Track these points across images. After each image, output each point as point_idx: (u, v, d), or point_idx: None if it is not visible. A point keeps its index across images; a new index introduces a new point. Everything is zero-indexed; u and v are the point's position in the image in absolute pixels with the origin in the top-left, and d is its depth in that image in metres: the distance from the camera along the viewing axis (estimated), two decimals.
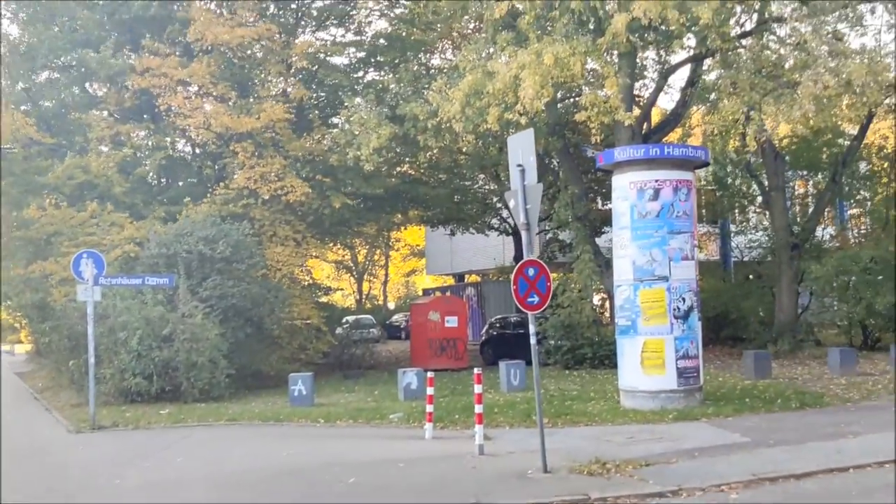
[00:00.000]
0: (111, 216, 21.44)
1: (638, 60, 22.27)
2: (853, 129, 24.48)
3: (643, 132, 21.49)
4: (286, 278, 22.51)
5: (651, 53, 23.87)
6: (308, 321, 23.31)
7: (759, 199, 27.27)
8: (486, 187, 33.10)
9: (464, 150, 23.67)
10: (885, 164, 26.13)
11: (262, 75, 23.50)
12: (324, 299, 30.01)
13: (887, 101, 20.27)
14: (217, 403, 17.45)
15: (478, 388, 10.88)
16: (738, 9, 19.90)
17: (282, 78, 24.30)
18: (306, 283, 26.83)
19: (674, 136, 24.50)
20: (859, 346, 22.54)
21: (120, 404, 17.58)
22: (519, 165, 10.03)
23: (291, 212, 23.09)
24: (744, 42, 19.79)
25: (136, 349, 17.65)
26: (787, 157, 25.66)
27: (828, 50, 18.09)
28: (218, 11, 23.93)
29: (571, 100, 23.89)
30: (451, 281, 49.61)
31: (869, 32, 25.18)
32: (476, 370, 11.32)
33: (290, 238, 22.76)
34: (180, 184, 25.43)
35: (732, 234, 31.29)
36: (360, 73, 27.01)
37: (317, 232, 25.31)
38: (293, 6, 26.11)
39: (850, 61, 17.35)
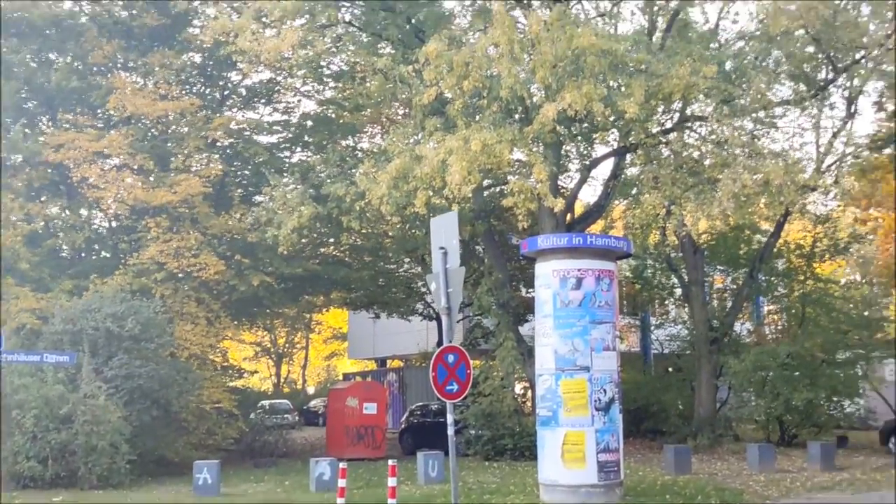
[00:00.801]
0: (13, 289, 20.35)
1: (563, 152, 22.65)
2: (770, 227, 25.12)
3: (567, 222, 21.65)
4: (195, 359, 21.58)
5: (575, 147, 24.38)
6: (219, 405, 22.31)
7: (679, 292, 27.61)
8: (412, 271, 32.84)
9: (389, 233, 23.45)
10: (802, 262, 26.81)
11: (184, 150, 23.01)
12: (238, 382, 28.94)
13: (802, 200, 20.94)
14: (116, 491, 16.36)
15: (392, 482, 10.36)
16: (661, 107, 20.51)
17: (204, 154, 23.84)
18: (219, 364, 25.80)
19: (596, 227, 24.74)
20: (777, 442, 22.63)
21: (11, 490, 16.29)
22: (441, 248, 9.81)
23: (206, 289, 22.33)
24: (666, 138, 20.27)
25: (32, 430, 16.52)
26: (706, 252, 26.14)
27: (747, 150, 18.68)
28: (141, 83, 23.53)
29: (497, 188, 24.03)
30: (372, 365, 48.70)
31: (783, 136, 26.15)
32: (391, 461, 10.82)
33: (202, 317, 21.94)
34: (93, 257, 24.48)
35: (653, 327, 31.55)
36: (287, 153, 26.73)
37: (232, 312, 24.52)
38: (220, 83, 25.90)
39: (769, 161, 17.92)
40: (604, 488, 13.24)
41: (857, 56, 20.54)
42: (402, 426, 28.17)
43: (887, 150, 23.41)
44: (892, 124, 23.19)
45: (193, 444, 21.32)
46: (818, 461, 18.41)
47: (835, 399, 24.07)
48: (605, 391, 13.42)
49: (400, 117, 25.76)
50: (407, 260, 31.66)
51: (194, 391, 20.56)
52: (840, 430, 24.52)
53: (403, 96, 21.39)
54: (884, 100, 23.35)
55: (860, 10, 20.24)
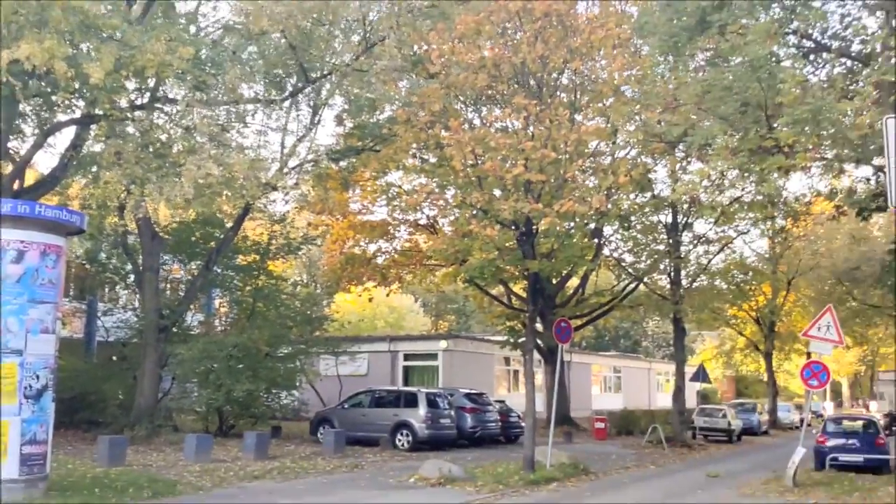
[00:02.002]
0: None
1: (20, 110, 20.15)
2: (231, 221, 25.47)
3: (15, 189, 19.33)
4: None
5: (32, 107, 21.89)
6: None
7: (133, 278, 26.53)
8: None
9: None
10: (257, 258, 27.69)
11: None
12: None
13: (264, 198, 21.60)
14: None
15: None
16: (134, 82, 19.44)
17: None
18: None
19: (50, 201, 22.48)
20: (215, 433, 22.93)
21: None
22: None
23: None
24: (134, 115, 19.24)
25: None
26: (167, 240, 25.53)
27: (215, 140, 18.62)
28: None
29: None
30: None
31: (252, 133, 26.72)
32: None
33: None
34: None
35: (100, 313, 29.83)
36: None
37: None
38: None
39: (235, 154, 18.08)
40: (24, 483, 11.84)
41: (326, 71, 21.97)
42: None
43: (343, 163, 25.47)
44: (348, 141, 25.33)
45: None
46: (253, 451, 19.05)
47: (273, 391, 25.28)
48: (38, 377, 12.05)
49: None
50: None
51: None
52: (275, 420, 25.85)
53: None
54: (344, 116, 25.40)
55: (332, 30, 21.65)
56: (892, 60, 15.68)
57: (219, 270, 26.90)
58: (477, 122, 21.27)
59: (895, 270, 30.09)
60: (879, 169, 20.39)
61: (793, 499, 16.41)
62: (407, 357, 36.21)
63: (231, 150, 18.66)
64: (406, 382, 34.24)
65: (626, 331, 56.48)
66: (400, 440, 23.94)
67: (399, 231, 30.90)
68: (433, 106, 18.38)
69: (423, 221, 29.77)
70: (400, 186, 28.24)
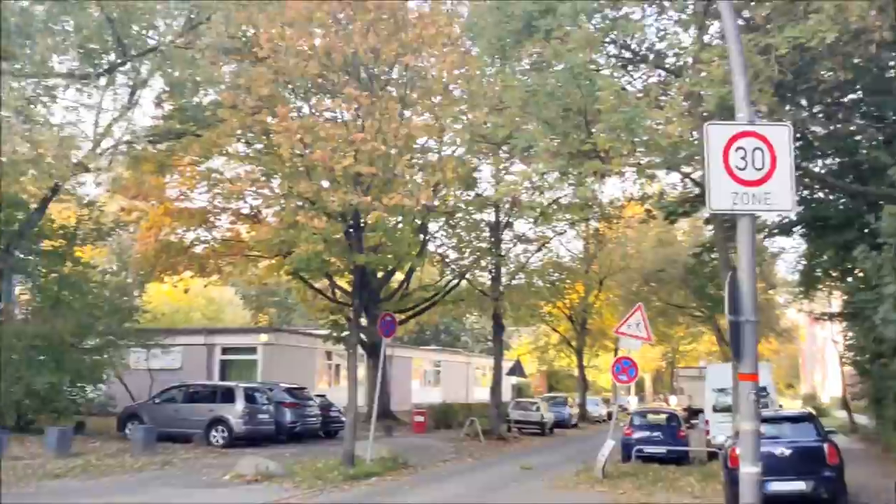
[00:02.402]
0: None
1: None
2: (36, 202, 23.62)
3: None
4: None
5: None
6: None
7: None
8: None
9: None
10: (64, 243, 25.85)
11: None
12: None
13: (75, 179, 20.20)
14: None
15: None
16: None
17: None
18: None
19: None
20: (13, 428, 21.22)
21: None
22: None
23: None
24: None
25: None
26: None
27: (22, 115, 17.24)
28: None
29: None
30: None
31: (62, 109, 24.69)
32: None
33: None
34: None
35: None
36: None
37: None
38: None
39: (44, 130, 16.82)
40: None
41: (146, 48, 20.81)
42: None
43: (161, 146, 24.22)
44: (168, 123, 24.11)
45: None
46: (54, 447, 17.86)
47: (78, 384, 23.78)
48: None
49: None
50: None
51: None
52: (80, 416, 24.30)
53: None
54: (164, 98, 24.16)
55: (154, 6, 20.53)
56: (702, 73, 16.68)
57: (21, 255, 24.92)
58: (306, 110, 20.88)
59: (697, 272, 32.22)
60: (687, 176, 21.80)
61: (602, 490, 17.17)
62: (225, 351, 35.11)
63: (40, 126, 17.32)
64: (223, 377, 33.19)
65: (447, 326, 57.41)
66: (215, 436, 23.17)
67: (220, 220, 29.81)
68: (261, 91, 17.86)
69: (245, 210, 28.86)
70: (222, 173, 27.23)
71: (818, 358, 69.95)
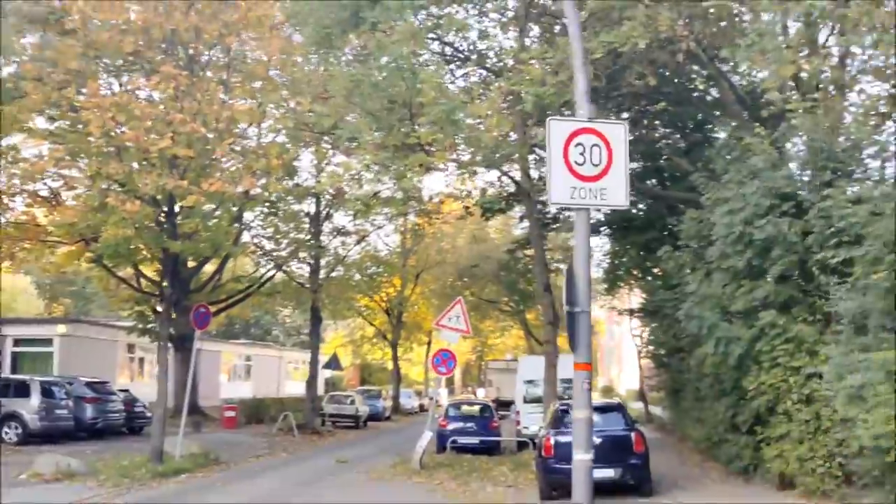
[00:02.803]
0: None
1: None
2: None
3: None
4: None
5: None
6: None
7: None
8: None
9: None
10: None
11: None
12: None
13: None
14: None
15: None
16: None
17: None
18: None
19: None
20: None
21: None
22: None
23: None
24: None
25: None
26: None
27: None
28: None
29: None
30: None
31: None
32: None
33: None
34: None
35: None
36: None
37: None
38: None
39: None
40: None
41: None
42: None
43: None
44: None
45: None
46: None
47: None
48: None
49: None
50: None
51: None
52: None
53: None
54: None
55: None
56: (523, 74, 17.15)
57: None
58: (118, 88, 19.61)
59: (511, 268, 33.25)
60: (505, 174, 22.40)
61: (420, 480, 17.33)
62: (17, 342, 32.53)
63: None
64: (15, 370, 30.70)
65: (258, 319, 56.03)
66: (7, 433, 21.59)
67: (14, 202, 27.37)
68: (69, 64, 16.58)
69: (44, 192, 26.70)
70: (19, 151, 25.02)
71: (615, 353, 74.29)
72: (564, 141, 6.52)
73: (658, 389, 33.13)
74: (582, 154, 6.50)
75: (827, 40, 16.38)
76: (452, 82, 21.82)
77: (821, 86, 15.39)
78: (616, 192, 6.61)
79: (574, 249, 6.63)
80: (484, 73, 22.03)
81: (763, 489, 14.56)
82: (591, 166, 6.53)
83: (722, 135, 22.12)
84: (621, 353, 67.92)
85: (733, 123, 18.80)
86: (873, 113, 14.31)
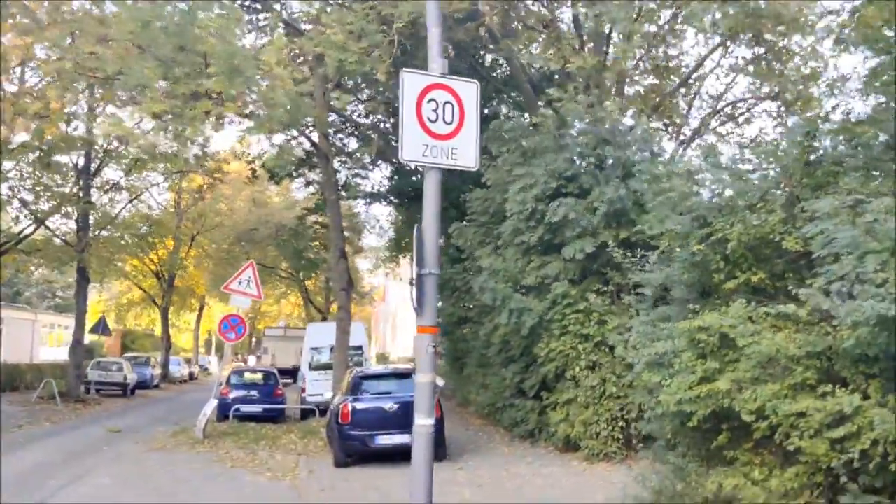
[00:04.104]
0: None
1: None
2: None
3: None
4: None
5: None
6: None
7: None
8: None
9: None
10: None
11: None
12: None
13: None
14: None
15: None
16: None
17: None
18: None
19: None
20: None
21: None
22: None
23: None
24: None
25: None
26: None
27: None
28: None
29: None
30: None
31: None
32: None
33: None
34: None
35: None
36: None
37: None
38: None
39: None
40: None
41: None
42: None
43: None
44: None
45: None
46: None
47: None
48: None
49: None
50: None
51: None
52: None
53: None
54: None
55: None
56: (326, 35, 16.63)
57: None
58: None
59: (301, 234, 32.54)
60: (304, 134, 21.78)
61: (204, 450, 16.58)
62: None
63: None
64: None
65: (9, 279, 51.01)
66: None
67: None
68: None
69: None
70: None
71: (390, 319, 75.32)
72: (417, 96, 6.28)
73: (438, 357, 33.82)
74: (435, 111, 6.31)
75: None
76: (249, 32, 20.90)
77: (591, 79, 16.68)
78: (466, 153, 6.48)
79: (423, 211, 6.43)
80: (284, 29, 21.19)
81: (547, 452, 15.26)
82: (444, 124, 6.35)
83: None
84: (396, 320, 68.95)
85: (520, 98, 19.43)
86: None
